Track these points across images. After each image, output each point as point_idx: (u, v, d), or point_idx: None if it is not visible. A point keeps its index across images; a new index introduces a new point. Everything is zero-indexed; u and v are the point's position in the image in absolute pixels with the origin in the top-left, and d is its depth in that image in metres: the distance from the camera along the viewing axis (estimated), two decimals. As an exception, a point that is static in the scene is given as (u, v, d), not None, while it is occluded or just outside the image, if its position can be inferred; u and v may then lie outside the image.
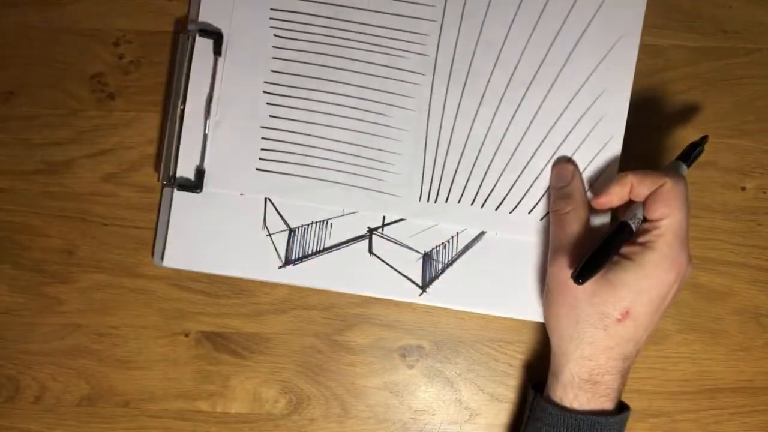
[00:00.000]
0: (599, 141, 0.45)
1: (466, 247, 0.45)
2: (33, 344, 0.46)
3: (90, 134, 0.47)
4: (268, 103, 0.46)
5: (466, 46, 0.45)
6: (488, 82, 0.45)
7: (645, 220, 0.40)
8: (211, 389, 0.47)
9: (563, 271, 0.40)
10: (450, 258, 0.45)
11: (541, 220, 0.45)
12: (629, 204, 0.42)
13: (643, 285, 0.39)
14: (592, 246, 0.39)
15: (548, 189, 0.45)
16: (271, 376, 0.47)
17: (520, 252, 0.45)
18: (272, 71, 0.46)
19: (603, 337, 0.39)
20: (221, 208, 0.45)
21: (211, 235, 0.45)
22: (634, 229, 0.40)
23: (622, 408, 0.41)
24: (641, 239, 0.40)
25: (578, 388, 0.40)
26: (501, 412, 0.47)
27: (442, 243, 0.45)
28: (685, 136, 0.47)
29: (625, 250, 0.40)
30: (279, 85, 0.46)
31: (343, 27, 0.46)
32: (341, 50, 0.46)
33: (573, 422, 0.40)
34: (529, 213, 0.45)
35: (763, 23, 0.48)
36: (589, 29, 0.45)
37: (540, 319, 0.45)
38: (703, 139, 0.43)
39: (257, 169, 0.45)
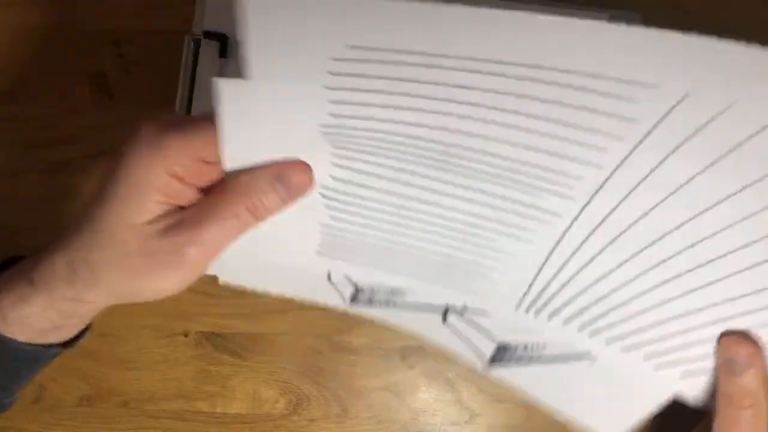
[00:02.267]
0: None
1: (554, 359, 0.38)
2: (33, 344, 0.46)
3: (90, 134, 0.47)
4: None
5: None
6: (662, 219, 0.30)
7: None
8: (210, 389, 0.46)
9: None
10: (530, 358, 0.38)
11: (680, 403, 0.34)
12: None
13: None
14: None
15: (711, 369, 0.32)
16: (271, 376, 0.47)
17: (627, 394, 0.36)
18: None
19: None
20: None
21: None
22: None
23: None
24: None
25: None
26: (502, 412, 0.47)
27: (525, 345, 0.38)
28: None
29: None
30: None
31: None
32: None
33: None
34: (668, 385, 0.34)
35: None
36: None
37: None
38: None
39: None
